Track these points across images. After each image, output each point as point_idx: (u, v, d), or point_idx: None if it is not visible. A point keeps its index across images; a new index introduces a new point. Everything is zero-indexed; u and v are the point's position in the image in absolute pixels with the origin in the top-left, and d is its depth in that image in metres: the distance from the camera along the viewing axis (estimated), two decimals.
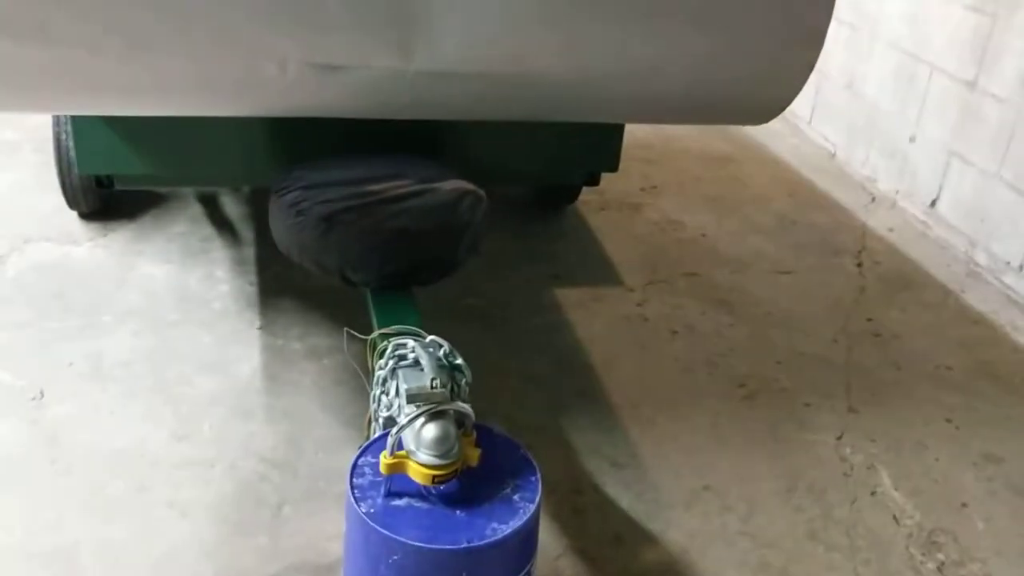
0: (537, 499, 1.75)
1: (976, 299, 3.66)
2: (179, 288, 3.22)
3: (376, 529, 1.65)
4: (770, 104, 2.23)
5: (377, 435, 1.86)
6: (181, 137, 2.57)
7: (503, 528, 1.68)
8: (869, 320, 3.45)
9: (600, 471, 2.56)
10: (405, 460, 1.71)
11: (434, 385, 1.73)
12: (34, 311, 3.01)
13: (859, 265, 3.87)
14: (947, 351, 3.30)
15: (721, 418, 2.83)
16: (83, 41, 1.70)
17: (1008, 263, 3.70)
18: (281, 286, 3.24)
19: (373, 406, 1.90)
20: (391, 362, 1.85)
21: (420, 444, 1.69)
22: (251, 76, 1.85)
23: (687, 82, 2.10)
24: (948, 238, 4.04)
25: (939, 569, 2.35)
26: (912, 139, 4.29)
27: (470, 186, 2.52)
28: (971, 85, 3.89)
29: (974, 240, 3.89)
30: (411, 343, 1.86)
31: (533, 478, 1.80)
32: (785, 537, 2.40)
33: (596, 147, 2.98)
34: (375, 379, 1.89)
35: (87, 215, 3.53)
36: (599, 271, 3.61)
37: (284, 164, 2.59)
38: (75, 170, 2.94)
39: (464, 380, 1.85)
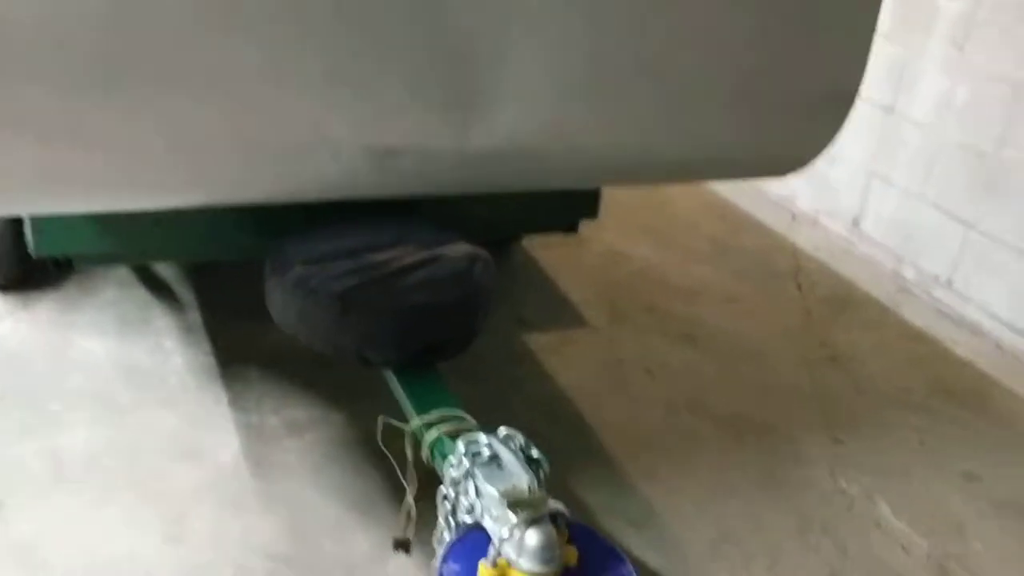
0: None
1: (911, 314, 3.83)
2: (126, 364, 2.93)
3: None
4: (797, 160, 2.24)
5: (454, 538, 1.74)
6: (153, 211, 2.32)
7: None
8: (823, 345, 3.55)
9: (620, 531, 2.50)
10: (507, 570, 1.60)
11: (532, 489, 1.62)
12: None
13: (799, 287, 3.98)
14: (900, 371, 3.43)
15: (718, 463, 2.82)
16: (123, 143, 1.48)
17: (937, 277, 3.89)
18: (242, 354, 3.00)
19: (445, 507, 1.77)
20: (466, 460, 1.73)
21: (522, 552, 1.58)
22: (303, 163, 1.68)
23: (725, 146, 2.08)
24: (874, 255, 4.21)
25: None
26: (831, 160, 4.45)
27: (475, 249, 2.41)
28: (889, 109, 4.07)
29: (900, 256, 4.07)
30: (484, 438, 1.75)
31: (625, 571, 1.73)
32: None
33: (579, 195, 2.92)
34: (446, 479, 1.76)
35: (3, 287, 3.17)
36: (561, 311, 3.56)
37: (269, 235, 2.39)
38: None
39: (543, 472, 1.76)
